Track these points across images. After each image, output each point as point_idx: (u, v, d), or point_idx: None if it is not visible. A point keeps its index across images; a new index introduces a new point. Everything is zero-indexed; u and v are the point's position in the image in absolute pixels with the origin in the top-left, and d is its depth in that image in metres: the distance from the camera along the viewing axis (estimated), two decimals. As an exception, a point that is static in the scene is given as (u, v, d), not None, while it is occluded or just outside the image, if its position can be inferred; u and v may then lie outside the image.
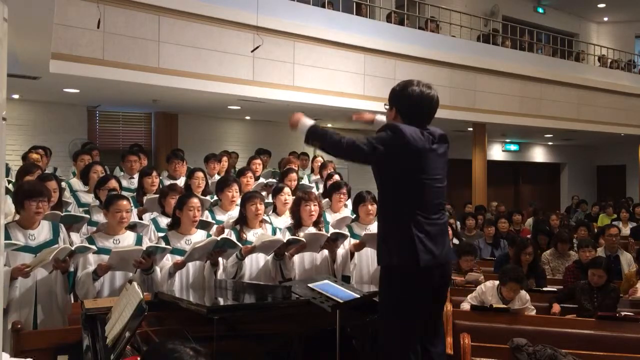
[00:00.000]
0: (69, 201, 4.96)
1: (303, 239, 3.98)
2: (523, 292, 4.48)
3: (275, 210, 4.77)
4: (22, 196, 3.55)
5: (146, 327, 2.77)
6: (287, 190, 4.74)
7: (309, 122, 2.82)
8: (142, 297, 2.29)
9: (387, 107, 2.91)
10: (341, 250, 4.24)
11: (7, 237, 3.39)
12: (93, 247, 3.55)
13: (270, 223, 4.44)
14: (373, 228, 4.35)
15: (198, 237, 3.85)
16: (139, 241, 3.76)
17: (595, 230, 7.99)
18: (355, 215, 4.63)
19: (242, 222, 4.16)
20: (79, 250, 3.45)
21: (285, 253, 3.98)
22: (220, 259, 3.80)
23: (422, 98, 2.79)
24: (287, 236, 4.08)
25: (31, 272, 3.34)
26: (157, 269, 3.61)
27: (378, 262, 2.82)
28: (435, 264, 2.72)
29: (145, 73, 6.81)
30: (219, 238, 3.73)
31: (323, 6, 9.15)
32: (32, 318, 3.47)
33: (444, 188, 2.86)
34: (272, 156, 8.69)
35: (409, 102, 2.79)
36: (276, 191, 4.77)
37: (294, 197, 4.62)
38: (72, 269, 3.61)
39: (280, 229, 4.38)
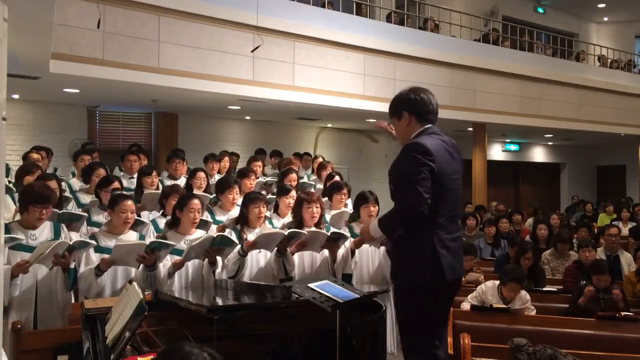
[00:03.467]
0: (70, 197, 4.97)
1: (304, 232, 3.98)
2: (523, 292, 4.47)
3: (277, 211, 4.77)
4: (28, 200, 3.55)
5: (146, 327, 2.77)
6: (293, 193, 4.72)
7: (375, 224, 2.90)
8: (142, 297, 2.29)
9: (394, 120, 2.93)
10: (341, 250, 4.23)
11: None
12: (92, 242, 3.54)
13: (271, 224, 4.43)
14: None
15: (197, 237, 3.84)
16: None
17: (595, 230, 7.98)
18: (355, 214, 4.63)
19: (243, 222, 4.16)
20: (79, 245, 3.43)
21: (287, 249, 3.98)
22: (218, 258, 3.80)
23: (429, 99, 2.86)
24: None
25: (30, 268, 3.33)
26: (161, 265, 3.61)
27: (393, 278, 2.84)
28: (457, 278, 2.78)
29: (145, 73, 6.81)
30: (215, 235, 3.72)
31: (323, 6, 9.15)
32: (32, 318, 3.47)
33: (460, 199, 2.89)
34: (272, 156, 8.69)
35: (419, 103, 2.84)
36: (282, 192, 4.76)
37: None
38: (72, 266, 3.60)
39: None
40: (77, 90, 7.58)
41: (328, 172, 6.44)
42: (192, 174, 5.47)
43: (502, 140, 15.44)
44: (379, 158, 12.66)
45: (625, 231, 9.05)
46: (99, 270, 3.48)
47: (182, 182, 5.71)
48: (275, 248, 3.95)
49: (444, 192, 2.71)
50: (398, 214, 2.71)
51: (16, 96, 8.21)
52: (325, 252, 4.24)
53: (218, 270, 3.84)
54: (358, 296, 2.93)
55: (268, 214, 4.57)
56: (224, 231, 4.20)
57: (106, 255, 3.51)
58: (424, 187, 2.62)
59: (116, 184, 4.63)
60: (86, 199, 5.03)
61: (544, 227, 6.94)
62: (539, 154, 16.91)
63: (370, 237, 3.05)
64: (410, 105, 2.85)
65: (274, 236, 3.87)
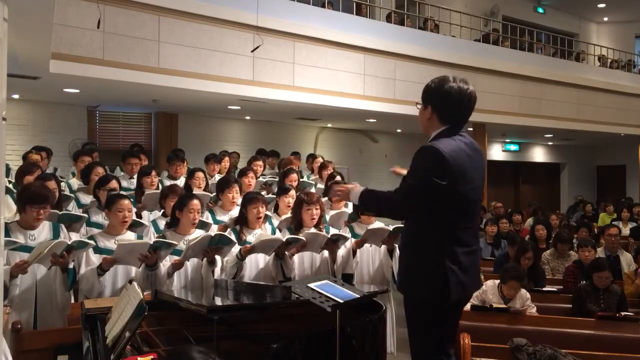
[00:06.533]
0: (70, 195, 4.97)
1: (302, 238, 3.98)
2: (523, 291, 4.48)
3: (276, 210, 4.77)
4: (25, 200, 3.54)
5: (146, 327, 2.77)
6: (293, 192, 4.73)
7: (359, 190, 2.69)
8: (142, 297, 2.29)
9: (420, 105, 2.67)
10: (341, 251, 4.24)
11: (8, 237, 3.39)
12: (91, 242, 3.54)
13: (271, 224, 4.43)
14: (373, 226, 4.36)
15: (196, 237, 3.83)
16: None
17: (595, 230, 7.98)
18: (354, 214, 4.63)
19: (242, 222, 4.16)
20: (78, 245, 3.43)
21: (286, 253, 3.98)
22: (218, 258, 3.80)
23: (461, 95, 2.55)
24: (287, 235, 4.08)
25: (30, 268, 3.33)
26: (162, 265, 3.61)
27: (399, 288, 2.73)
28: (465, 296, 2.64)
29: (145, 73, 6.81)
30: (213, 234, 3.73)
31: (323, 6, 9.15)
32: (32, 318, 3.47)
33: (479, 209, 2.71)
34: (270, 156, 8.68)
35: (447, 100, 2.55)
36: (282, 191, 4.78)
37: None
38: (71, 266, 3.60)
39: (280, 230, 4.38)
40: (77, 90, 7.58)
41: (329, 172, 6.45)
42: (190, 174, 5.48)
43: (502, 140, 15.44)
44: (379, 158, 12.67)
45: (625, 231, 9.06)
46: (101, 270, 3.47)
47: (181, 182, 5.71)
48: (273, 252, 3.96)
49: (460, 202, 2.50)
50: (388, 203, 2.57)
51: (16, 96, 8.21)
52: (325, 252, 4.24)
53: (217, 270, 3.84)
54: (358, 296, 2.93)
55: (269, 213, 4.57)
56: (224, 231, 4.20)
57: (106, 256, 3.51)
58: (421, 197, 2.48)
59: (114, 183, 4.62)
60: (86, 199, 5.02)
61: (541, 227, 6.94)
62: (539, 154, 16.90)
63: (347, 198, 2.78)
64: (436, 102, 2.58)
65: (272, 242, 3.87)
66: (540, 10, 14.98)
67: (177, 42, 7.07)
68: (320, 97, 8.40)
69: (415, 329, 2.65)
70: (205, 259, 3.74)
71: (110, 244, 3.64)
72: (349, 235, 4.33)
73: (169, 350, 2.35)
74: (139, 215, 4.71)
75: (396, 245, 4.12)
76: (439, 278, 2.48)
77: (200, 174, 5.45)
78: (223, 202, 4.80)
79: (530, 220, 9.64)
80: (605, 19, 16.28)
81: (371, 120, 10.48)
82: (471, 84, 2.62)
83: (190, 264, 3.80)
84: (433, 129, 2.62)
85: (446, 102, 2.56)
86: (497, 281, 4.54)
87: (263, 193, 5.07)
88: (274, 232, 4.31)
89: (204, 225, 4.25)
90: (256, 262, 4.05)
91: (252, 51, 7.45)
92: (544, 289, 5.17)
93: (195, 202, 3.87)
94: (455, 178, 2.45)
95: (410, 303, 2.65)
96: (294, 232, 4.22)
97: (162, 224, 4.36)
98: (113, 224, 3.74)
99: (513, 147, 16.00)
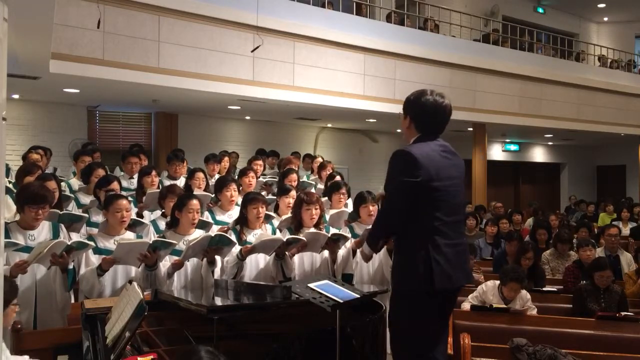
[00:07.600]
0: (70, 195, 4.97)
1: (303, 238, 3.98)
2: (524, 292, 4.48)
3: (277, 211, 4.77)
4: (24, 200, 3.54)
5: (146, 327, 2.77)
6: (293, 193, 4.73)
7: (364, 245, 3.04)
8: (142, 297, 2.29)
9: (402, 115, 2.93)
10: (341, 251, 4.23)
11: (7, 237, 3.39)
12: (91, 243, 3.54)
13: (271, 224, 4.43)
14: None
15: (195, 237, 3.83)
16: (139, 241, 3.75)
17: (596, 230, 7.98)
18: (354, 214, 4.63)
19: (243, 222, 4.16)
20: (77, 246, 3.42)
21: (286, 253, 3.98)
22: (217, 258, 3.80)
23: (436, 107, 2.80)
24: (287, 236, 4.08)
25: (29, 268, 3.33)
26: (161, 265, 3.60)
27: (391, 282, 2.84)
28: (452, 289, 2.70)
29: (145, 73, 6.81)
30: (213, 234, 3.72)
31: (323, 6, 9.15)
32: (32, 318, 3.47)
33: (461, 205, 2.84)
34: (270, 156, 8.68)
35: (423, 111, 2.80)
36: (282, 192, 4.78)
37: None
38: (71, 266, 3.60)
39: (280, 230, 4.38)
40: (77, 90, 7.58)
41: (328, 172, 6.44)
42: (190, 174, 5.48)
43: (502, 140, 15.44)
44: (379, 158, 12.66)
45: (625, 231, 9.05)
46: (101, 270, 3.47)
47: (181, 182, 5.71)
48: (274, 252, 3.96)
49: (438, 197, 2.66)
50: (379, 221, 2.91)
51: (16, 96, 8.21)
52: (326, 252, 4.24)
53: (217, 270, 3.84)
54: (358, 296, 2.93)
55: (271, 213, 4.57)
56: (226, 232, 4.20)
57: (105, 256, 3.51)
58: (400, 198, 2.68)
59: (115, 185, 4.61)
60: (86, 199, 5.02)
61: (543, 232, 6.90)
62: (539, 154, 16.91)
63: (367, 256, 3.13)
64: (414, 112, 2.84)
65: (272, 242, 3.87)
66: (540, 10, 14.99)
67: (177, 42, 7.07)
68: (320, 97, 8.40)
69: (399, 324, 2.71)
70: (205, 259, 3.74)
71: (110, 244, 3.63)
72: (349, 235, 4.33)
73: (177, 349, 2.36)
74: (140, 215, 4.71)
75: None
76: (424, 267, 2.60)
77: (200, 174, 5.45)
78: (222, 202, 4.80)
79: (530, 220, 9.64)
80: (605, 19, 16.28)
81: (371, 120, 10.49)
82: (447, 98, 2.85)
83: (190, 264, 3.80)
84: (411, 137, 2.86)
85: (422, 114, 2.82)
86: (497, 282, 4.53)
87: (263, 193, 5.06)
88: (274, 232, 4.31)
89: (204, 225, 4.25)
90: (256, 262, 4.05)
91: (252, 51, 7.45)
92: (544, 289, 5.17)
93: (195, 202, 3.87)
94: (430, 174, 2.64)
95: (397, 296, 2.74)
96: (294, 232, 4.22)
97: (161, 224, 4.35)
98: (112, 224, 3.73)
99: (513, 147, 16.00)
